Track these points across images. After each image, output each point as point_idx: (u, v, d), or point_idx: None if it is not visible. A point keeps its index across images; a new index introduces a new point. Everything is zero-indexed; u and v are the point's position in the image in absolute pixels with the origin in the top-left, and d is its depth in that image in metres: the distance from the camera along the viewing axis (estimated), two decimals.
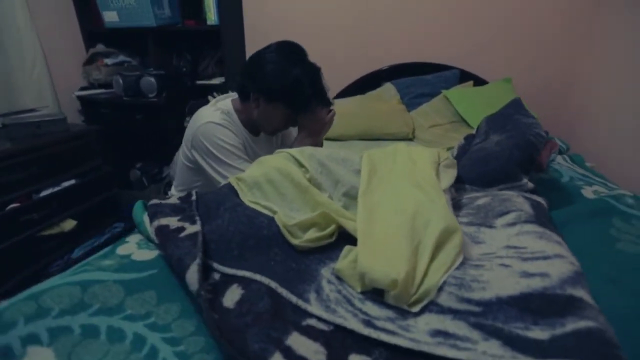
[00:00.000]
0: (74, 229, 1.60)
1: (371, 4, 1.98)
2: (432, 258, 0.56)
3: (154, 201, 0.85)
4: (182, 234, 0.65)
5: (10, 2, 1.73)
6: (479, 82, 1.93)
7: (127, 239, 0.76)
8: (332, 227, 0.64)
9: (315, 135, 1.08)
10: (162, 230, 0.68)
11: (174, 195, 1.18)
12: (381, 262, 0.53)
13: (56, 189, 1.56)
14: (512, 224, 0.65)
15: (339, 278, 0.57)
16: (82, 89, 2.13)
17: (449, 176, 0.75)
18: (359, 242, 0.59)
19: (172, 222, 0.71)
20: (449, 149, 1.34)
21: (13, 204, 1.41)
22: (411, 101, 1.94)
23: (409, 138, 1.75)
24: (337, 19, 2.06)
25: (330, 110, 1.07)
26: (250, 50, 2.19)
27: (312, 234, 0.63)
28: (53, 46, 2.00)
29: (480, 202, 0.76)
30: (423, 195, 0.66)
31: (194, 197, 0.84)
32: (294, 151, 0.81)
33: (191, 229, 0.67)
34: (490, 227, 0.67)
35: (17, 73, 1.82)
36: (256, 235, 0.63)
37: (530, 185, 0.81)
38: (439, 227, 0.57)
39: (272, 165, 0.79)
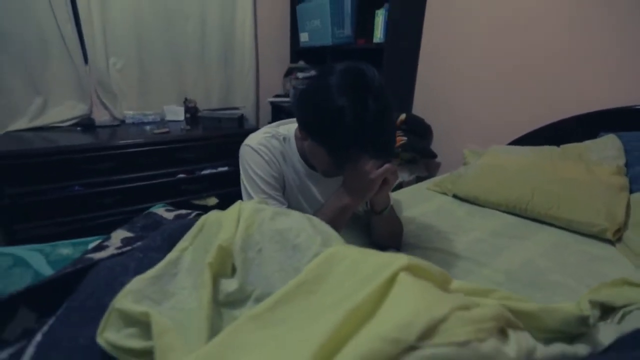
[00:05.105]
0: (214, 206, 1.95)
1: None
2: None
3: (163, 210, 0.86)
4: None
5: (242, 21, 2.26)
6: None
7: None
8: (152, 344, 0.40)
9: (354, 195, 0.76)
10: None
11: None
12: None
13: (213, 171, 1.95)
14: None
15: None
16: (276, 96, 2.55)
17: None
18: None
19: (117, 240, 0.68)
20: None
21: (181, 174, 1.87)
22: None
23: (605, 238, 0.97)
24: (529, 57, 1.43)
25: (384, 165, 0.72)
26: (422, 71, 1.92)
27: (124, 338, 0.42)
28: (266, 59, 2.50)
29: None
30: None
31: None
32: (248, 207, 0.58)
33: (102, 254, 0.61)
34: None
35: (236, 78, 2.40)
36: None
37: None
38: None
39: (221, 214, 0.60)
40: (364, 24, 1.95)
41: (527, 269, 0.85)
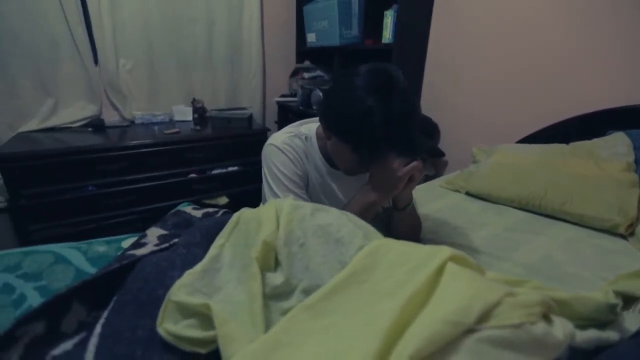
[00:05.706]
0: (225, 205, 1.97)
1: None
2: None
3: (191, 208, 0.88)
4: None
5: (249, 23, 2.28)
6: None
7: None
8: (213, 334, 0.42)
9: (381, 192, 0.78)
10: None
11: None
12: None
13: (223, 170, 1.96)
14: None
15: None
16: (282, 96, 2.57)
17: None
18: None
19: (153, 236, 0.70)
20: None
21: (192, 174, 1.89)
22: None
23: (618, 233, 1.00)
24: (535, 57, 1.46)
25: (412, 162, 0.74)
26: (429, 71, 1.95)
27: (185, 328, 0.44)
28: (272, 59, 2.52)
29: None
30: None
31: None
32: (286, 204, 0.60)
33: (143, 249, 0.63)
34: None
35: (242, 80, 2.41)
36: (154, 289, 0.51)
37: None
38: None
39: (257, 211, 0.62)
40: (371, 25, 1.97)
41: (545, 262, 0.88)
